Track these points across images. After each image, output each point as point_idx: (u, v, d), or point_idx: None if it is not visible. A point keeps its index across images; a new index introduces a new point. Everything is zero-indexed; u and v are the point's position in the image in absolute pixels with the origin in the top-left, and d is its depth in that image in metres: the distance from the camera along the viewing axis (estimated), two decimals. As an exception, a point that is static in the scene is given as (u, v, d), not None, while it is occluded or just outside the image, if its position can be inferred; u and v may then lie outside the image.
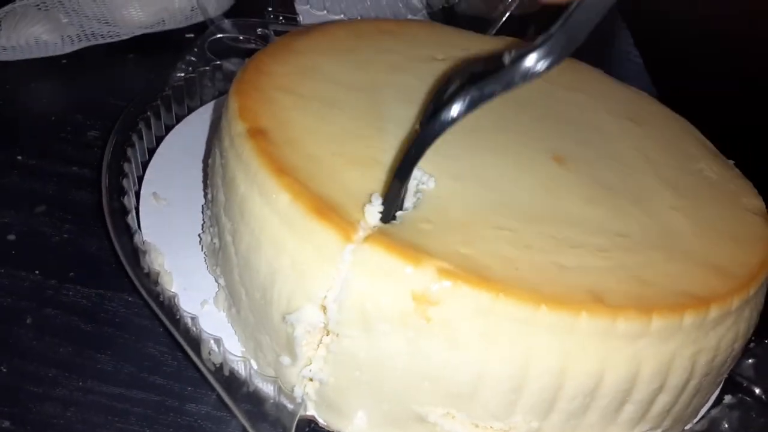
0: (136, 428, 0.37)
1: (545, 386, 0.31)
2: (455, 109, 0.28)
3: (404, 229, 0.32)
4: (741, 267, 0.36)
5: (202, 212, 0.44)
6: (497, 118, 0.41)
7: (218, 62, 0.54)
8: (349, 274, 0.31)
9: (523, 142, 0.40)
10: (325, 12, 0.69)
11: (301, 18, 0.67)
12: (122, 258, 0.39)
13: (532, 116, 0.43)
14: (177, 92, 0.52)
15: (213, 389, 0.35)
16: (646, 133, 0.45)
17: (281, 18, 0.65)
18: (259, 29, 0.60)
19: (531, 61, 0.26)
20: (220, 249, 0.39)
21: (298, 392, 0.34)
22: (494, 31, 0.66)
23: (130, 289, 0.42)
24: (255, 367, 0.36)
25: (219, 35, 0.58)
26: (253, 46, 0.58)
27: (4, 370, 0.38)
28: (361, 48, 0.45)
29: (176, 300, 0.37)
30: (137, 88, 0.53)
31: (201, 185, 0.47)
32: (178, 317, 0.37)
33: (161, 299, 0.38)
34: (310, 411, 0.35)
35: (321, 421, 0.35)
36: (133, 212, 0.42)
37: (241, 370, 0.35)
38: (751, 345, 0.40)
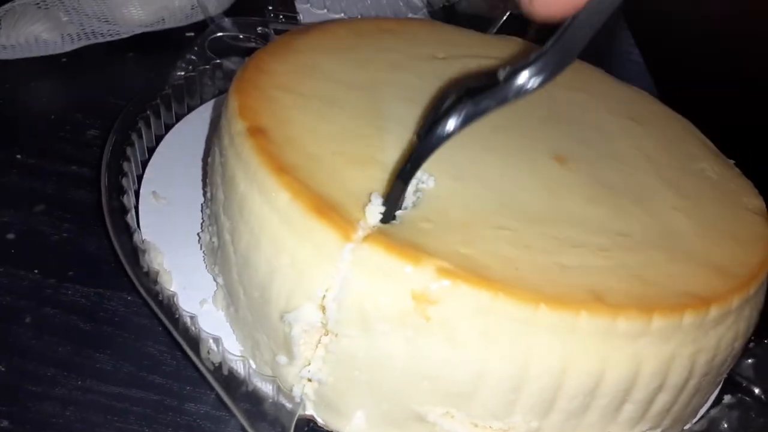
0: (135, 427, 0.37)
1: (545, 386, 0.31)
2: (451, 124, 0.29)
3: (404, 228, 0.32)
4: (741, 266, 0.36)
5: (202, 211, 0.44)
6: (498, 118, 0.40)
7: (218, 61, 0.54)
8: (349, 274, 0.31)
9: (524, 141, 0.40)
10: (325, 11, 0.69)
11: (301, 17, 0.67)
12: (121, 257, 0.39)
13: (533, 116, 0.42)
14: (177, 91, 0.52)
15: (212, 388, 0.35)
16: (648, 133, 0.45)
17: (281, 17, 0.65)
18: (260, 28, 0.60)
19: (523, 78, 0.27)
20: (219, 248, 0.39)
21: (296, 392, 0.34)
22: (495, 30, 0.66)
23: (129, 288, 0.41)
24: (253, 366, 0.36)
25: (219, 34, 0.58)
26: (253, 44, 0.58)
27: (3, 369, 0.38)
28: (361, 46, 0.45)
29: (175, 299, 0.37)
30: (137, 87, 0.53)
31: (201, 184, 0.47)
32: (177, 316, 0.37)
33: (160, 298, 0.38)
34: (309, 410, 0.35)
35: (320, 421, 0.35)
36: (133, 211, 0.42)
37: (240, 369, 0.35)
38: (751, 345, 0.40)
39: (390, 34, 0.47)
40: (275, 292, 0.33)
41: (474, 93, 0.28)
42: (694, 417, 0.39)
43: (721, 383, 0.40)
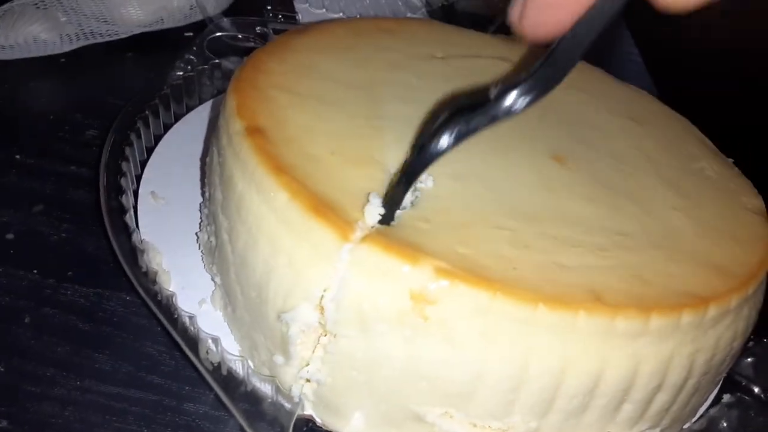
0: (134, 428, 0.37)
1: (544, 386, 0.31)
2: (444, 141, 0.30)
3: (402, 228, 0.32)
4: (740, 266, 0.36)
5: (200, 210, 0.44)
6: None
7: (217, 61, 0.54)
8: (347, 274, 0.31)
9: (523, 141, 0.40)
10: (324, 10, 0.69)
11: (300, 16, 0.67)
12: (120, 257, 0.39)
13: (532, 115, 0.42)
14: (176, 91, 0.52)
15: (211, 388, 0.35)
16: (647, 133, 0.45)
17: (280, 16, 0.65)
18: (258, 28, 0.60)
19: (511, 99, 0.28)
20: (217, 247, 0.38)
21: (295, 392, 0.34)
22: (494, 30, 0.66)
23: (128, 288, 0.41)
24: (252, 366, 0.36)
25: (218, 34, 0.58)
26: (252, 44, 0.58)
27: (2, 369, 0.38)
28: (360, 46, 0.45)
29: (174, 299, 0.37)
30: (136, 87, 0.53)
31: (199, 184, 0.47)
32: (176, 316, 0.37)
33: (159, 298, 0.38)
34: (308, 411, 0.35)
35: (318, 421, 0.35)
36: (131, 211, 0.42)
37: (238, 369, 0.35)
38: (750, 344, 0.40)
39: (389, 34, 0.47)
40: (272, 292, 0.33)
41: (466, 110, 0.29)
42: (694, 416, 0.39)
43: (721, 382, 0.40)
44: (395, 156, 0.36)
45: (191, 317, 0.36)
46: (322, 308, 0.32)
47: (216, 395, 0.35)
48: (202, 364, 0.35)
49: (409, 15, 0.70)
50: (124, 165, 0.44)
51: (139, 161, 0.47)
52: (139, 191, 0.45)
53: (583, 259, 0.33)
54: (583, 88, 0.47)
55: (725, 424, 0.38)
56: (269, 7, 0.66)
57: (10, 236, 0.45)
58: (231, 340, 0.38)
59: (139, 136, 0.48)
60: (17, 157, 0.51)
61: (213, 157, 0.40)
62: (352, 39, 0.45)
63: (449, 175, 0.36)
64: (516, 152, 0.39)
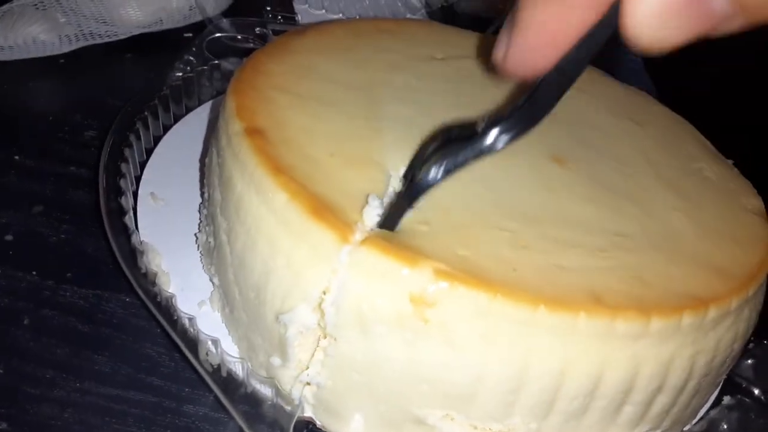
0: (133, 429, 0.37)
1: (544, 387, 0.31)
2: (433, 174, 0.30)
3: (401, 230, 0.32)
4: (740, 267, 0.36)
5: (199, 212, 0.44)
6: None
7: (216, 62, 0.54)
8: (346, 276, 0.31)
9: (523, 142, 0.40)
10: (323, 11, 0.69)
11: (299, 17, 0.67)
12: (120, 258, 0.39)
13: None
14: (175, 92, 0.51)
15: (210, 390, 0.35)
16: (647, 134, 0.44)
17: (279, 17, 0.65)
18: (258, 28, 0.60)
19: (492, 137, 0.28)
20: (215, 248, 0.38)
21: (295, 394, 0.34)
22: (494, 30, 0.66)
23: (127, 290, 0.41)
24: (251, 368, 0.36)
25: (217, 35, 0.58)
26: (251, 45, 0.58)
27: (1, 371, 0.38)
28: (359, 47, 0.45)
29: (174, 300, 0.37)
30: (135, 88, 0.53)
31: (199, 185, 0.47)
32: (175, 318, 0.37)
33: (159, 300, 0.38)
34: (308, 413, 0.35)
35: (318, 423, 0.35)
36: (131, 212, 0.42)
37: (238, 371, 0.35)
38: (751, 345, 0.40)
39: (388, 35, 0.47)
40: (271, 293, 0.33)
41: (454, 142, 0.30)
42: (694, 418, 0.38)
43: (721, 384, 0.40)
44: (395, 157, 0.36)
45: (191, 319, 0.36)
46: (321, 311, 0.32)
47: (216, 397, 0.35)
48: (202, 366, 0.35)
49: (408, 16, 0.70)
50: (123, 166, 0.44)
51: (139, 162, 0.47)
52: (139, 192, 0.45)
53: (584, 261, 0.33)
54: (583, 88, 0.47)
55: (725, 426, 0.37)
56: (269, 8, 0.66)
57: (9, 237, 0.45)
58: (230, 342, 0.38)
59: (138, 137, 0.48)
60: (16, 157, 0.51)
61: (212, 157, 0.40)
62: (351, 40, 0.45)
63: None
64: (515, 153, 0.39)
